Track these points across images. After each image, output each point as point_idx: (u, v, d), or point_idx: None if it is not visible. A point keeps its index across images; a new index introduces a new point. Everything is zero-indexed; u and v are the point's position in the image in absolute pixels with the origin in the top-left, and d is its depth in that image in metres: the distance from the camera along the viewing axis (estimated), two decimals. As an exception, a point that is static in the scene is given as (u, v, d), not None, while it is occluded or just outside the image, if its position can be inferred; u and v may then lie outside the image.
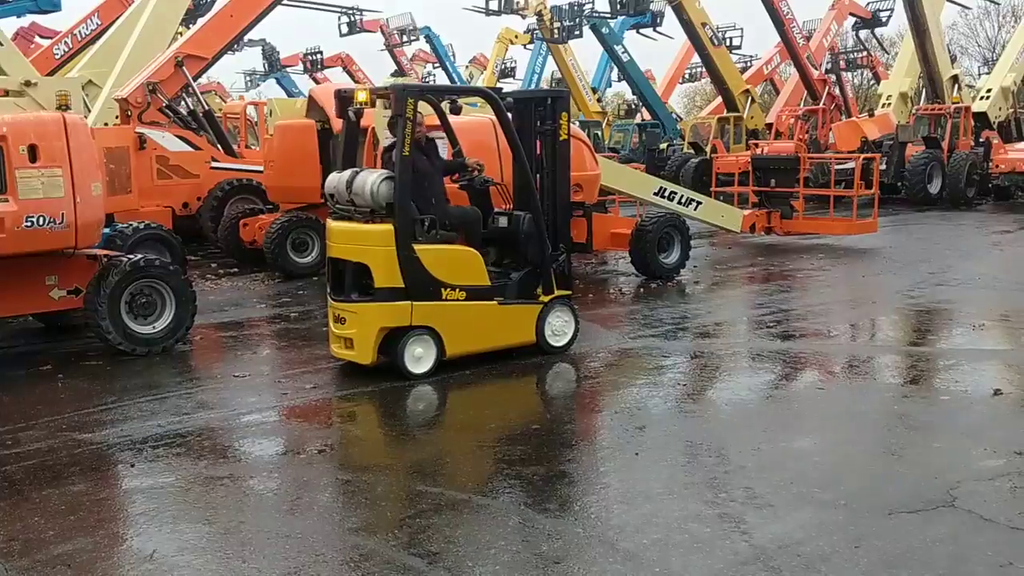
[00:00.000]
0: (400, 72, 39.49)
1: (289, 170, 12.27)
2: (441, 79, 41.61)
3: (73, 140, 7.35)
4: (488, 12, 31.77)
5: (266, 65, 42.44)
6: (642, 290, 10.91)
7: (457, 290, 6.97)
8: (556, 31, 30.29)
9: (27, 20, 24.19)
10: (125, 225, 10.63)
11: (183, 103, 14.96)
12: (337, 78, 39.04)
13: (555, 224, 7.64)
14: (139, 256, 8.07)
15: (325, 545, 4.09)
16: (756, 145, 23.14)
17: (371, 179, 6.79)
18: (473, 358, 7.11)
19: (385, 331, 6.81)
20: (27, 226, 7.08)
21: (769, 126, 28.17)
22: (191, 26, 18.71)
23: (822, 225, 15.00)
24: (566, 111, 7.72)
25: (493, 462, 5.19)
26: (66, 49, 19.10)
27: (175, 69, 14.28)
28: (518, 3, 30.65)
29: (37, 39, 25.79)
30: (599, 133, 29.77)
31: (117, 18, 18.70)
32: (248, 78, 45.49)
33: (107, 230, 9.20)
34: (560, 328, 7.57)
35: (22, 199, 7.06)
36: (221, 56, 15.31)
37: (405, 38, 39.93)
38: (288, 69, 42.73)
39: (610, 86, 43.50)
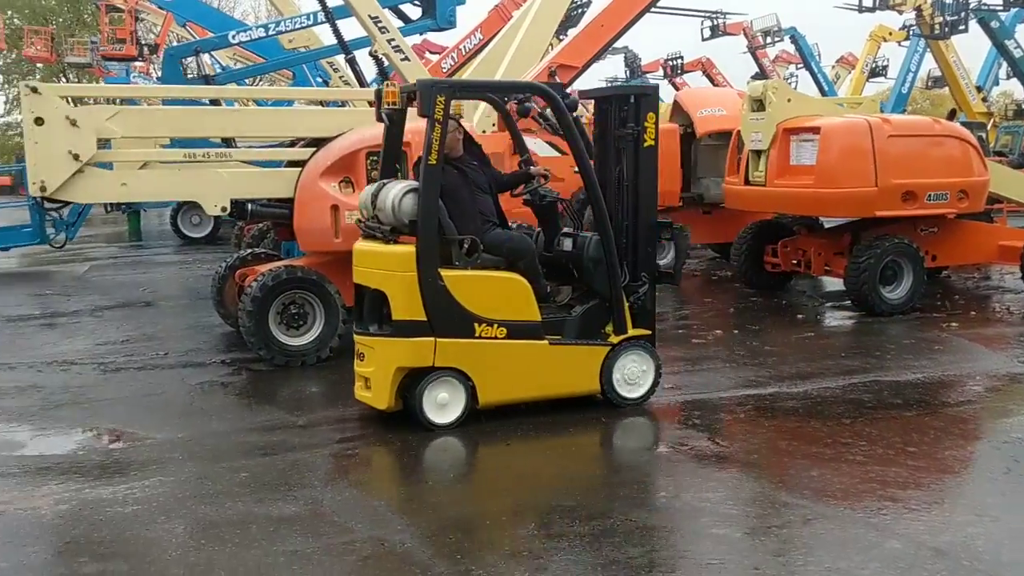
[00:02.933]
0: (761, 74, 38.66)
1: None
2: (804, 81, 40.18)
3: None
4: (861, 9, 30.14)
5: (627, 72, 43.52)
6: (1035, 309, 9.82)
7: (495, 326, 5.82)
8: (937, 26, 28.02)
9: (418, 37, 26.93)
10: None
11: (548, 110, 15.75)
12: (697, 82, 39.09)
13: (636, 248, 6.41)
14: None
15: None
16: None
17: (393, 192, 5.85)
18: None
19: (404, 372, 5.78)
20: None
21: None
22: (561, 38, 19.68)
23: None
24: (654, 111, 6.40)
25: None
26: (452, 63, 20.88)
27: (548, 79, 15.08)
28: (895, -1, 28.78)
29: (427, 55, 28.53)
30: (983, 135, 27.06)
31: (497, 32, 20.17)
32: (609, 84, 46.90)
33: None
34: (635, 376, 6.23)
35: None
36: (591, 65, 15.93)
37: (769, 39, 39.05)
38: (648, 75, 43.49)
39: (997, 84, 39.49)
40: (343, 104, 9.59)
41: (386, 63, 9.03)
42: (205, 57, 11.17)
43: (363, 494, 4.71)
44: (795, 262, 10.55)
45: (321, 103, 10.18)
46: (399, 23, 12.39)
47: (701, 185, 12.98)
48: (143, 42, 27.20)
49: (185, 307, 11.08)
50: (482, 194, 6.20)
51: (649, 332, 6.37)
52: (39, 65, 43.58)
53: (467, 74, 19.34)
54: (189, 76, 10.79)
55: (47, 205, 9.97)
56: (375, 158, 7.74)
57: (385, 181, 6.09)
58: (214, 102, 9.93)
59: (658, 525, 4.32)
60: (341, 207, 7.73)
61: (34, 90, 7.32)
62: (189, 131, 8.18)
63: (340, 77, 13.97)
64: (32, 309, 10.84)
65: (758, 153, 10.20)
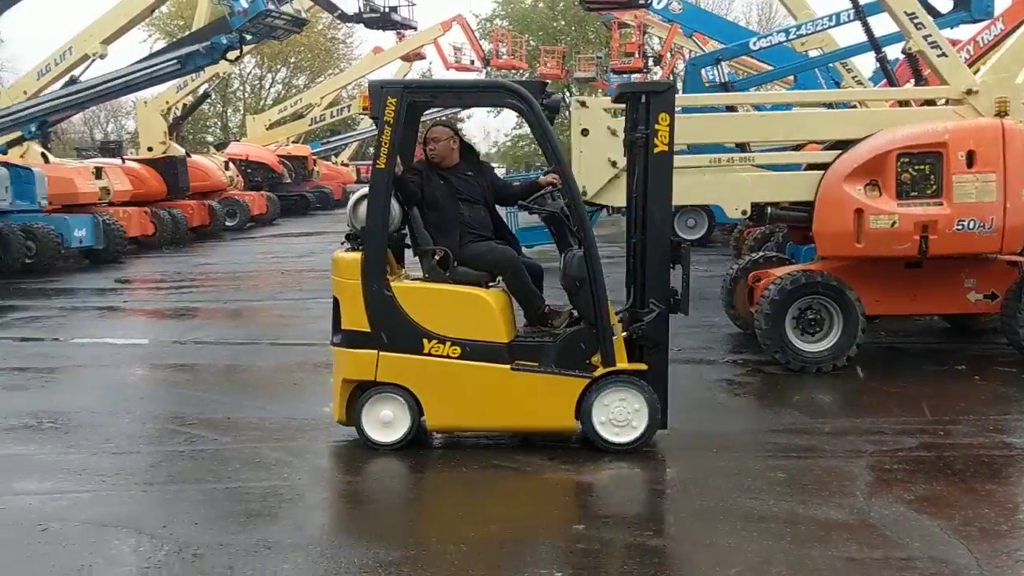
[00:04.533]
0: None
1: None
2: None
3: (1009, 146, 7.39)
4: None
5: None
6: None
7: (448, 344, 5.33)
8: None
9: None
10: None
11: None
12: None
13: (643, 268, 5.50)
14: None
15: None
16: None
17: (355, 197, 5.60)
18: None
19: (351, 384, 5.48)
20: (958, 229, 7.34)
21: None
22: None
23: None
24: (667, 112, 5.49)
25: None
26: (967, 56, 19.19)
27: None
28: None
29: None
30: None
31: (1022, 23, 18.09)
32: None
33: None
34: (622, 418, 5.33)
35: (956, 203, 7.34)
36: None
37: None
38: None
39: None
40: (855, 105, 9.32)
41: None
42: (723, 66, 11.55)
43: (912, 511, 4.52)
44: None
45: (829, 105, 10.01)
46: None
47: None
48: (648, 54, 28.85)
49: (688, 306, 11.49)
50: (471, 205, 5.79)
51: (645, 367, 5.44)
52: (548, 82, 48.34)
53: (985, 68, 17.63)
54: (707, 85, 11.26)
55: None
56: (906, 160, 7.44)
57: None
58: (730, 109, 10.21)
59: None
60: (866, 211, 7.48)
61: (582, 104, 8.09)
62: (712, 137, 8.50)
63: (853, 78, 13.57)
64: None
65: None
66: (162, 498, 4.98)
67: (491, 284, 5.66)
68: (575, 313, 5.53)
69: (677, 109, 9.91)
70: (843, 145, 7.86)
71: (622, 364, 5.38)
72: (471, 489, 5.02)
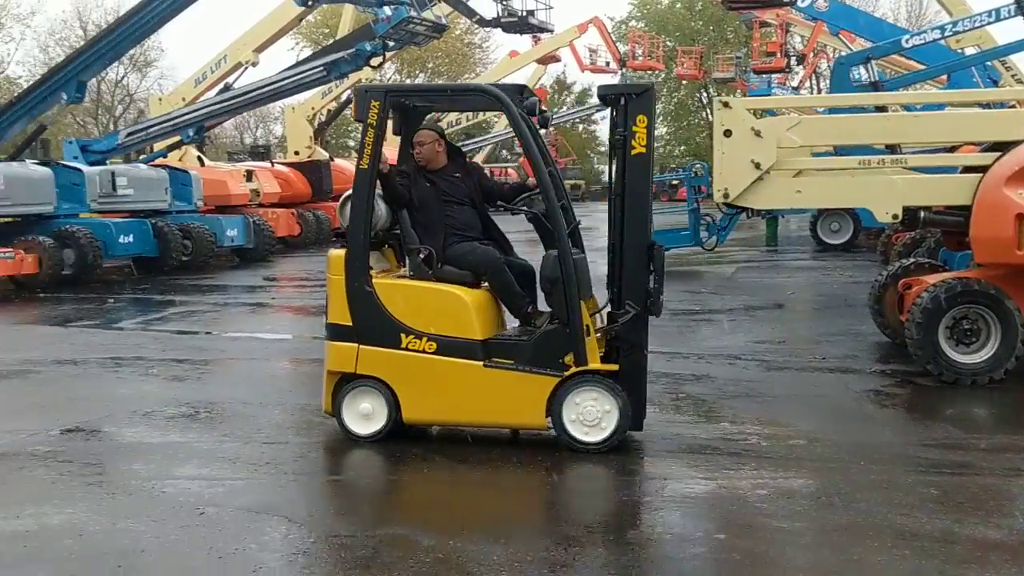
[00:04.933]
0: None
1: None
2: None
3: None
4: None
5: None
6: None
7: (424, 339, 5.53)
8: None
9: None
10: None
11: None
12: None
13: (621, 270, 5.54)
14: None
15: None
16: None
17: (344, 196, 5.80)
18: None
19: (335, 376, 5.72)
20: None
21: None
22: None
23: None
24: (645, 113, 5.49)
25: None
26: None
27: None
28: None
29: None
30: None
31: None
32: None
33: None
34: (592, 417, 5.41)
35: None
36: None
37: None
38: None
39: None
40: (1014, 105, 8.79)
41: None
42: (873, 64, 11.12)
43: (1080, 536, 4.25)
44: None
45: (986, 105, 9.50)
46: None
47: None
48: (790, 54, 28.11)
49: (833, 313, 11.16)
50: (458, 206, 5.95)
51: (616, 368, 5.47)
52: (683, 82, 47.73)
53: None
54: (854, 84, 10.87)
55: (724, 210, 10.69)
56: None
57: None
58: (879, 110, 9.82)
59: None
60: (1029, 216, 7.08)
61: (725, 104, 7.94)
62: (861, 138, 8.19)
63: (1013, 76, 12.82)
64: (692, 305, 11.85)
65: None
66: (309, 488, 5.17)
67: (482, 283, 5.83)
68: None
69: (822, 110, 9.65)
70: (1002, 147, 7.45)
71: (594, 364, 5.45)
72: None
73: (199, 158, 20.11)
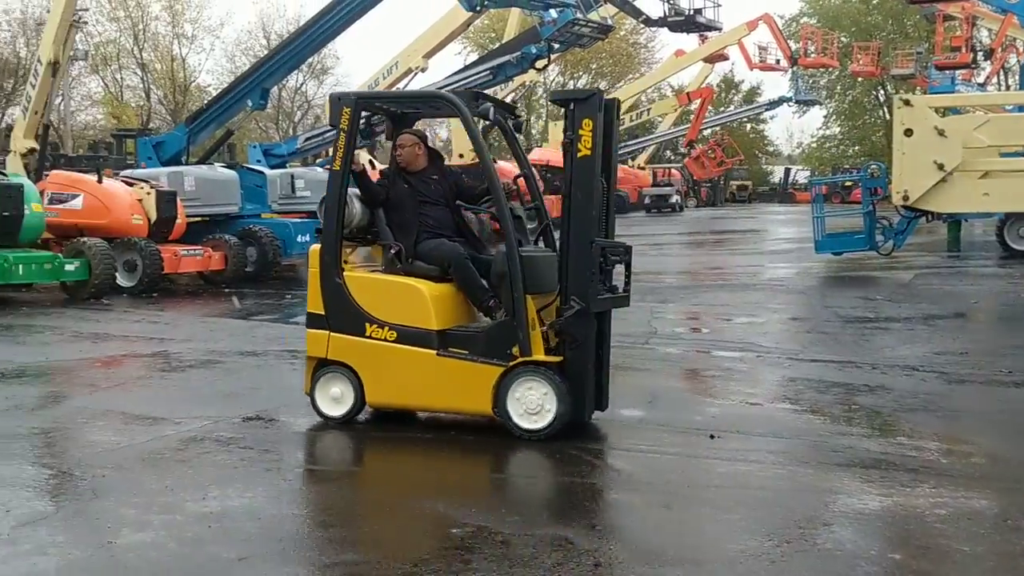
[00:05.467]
0: None
1: None
2: None
3: None
4: None
5: None
6: None
7: (386, 328, 5.95)
8: None
9: None
10: None
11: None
12: None
13: (567, 269, 5.80)
14: None
15: None
16: None
17: (323, 196, 6.23)
18: None
19: (314, 361, 6.19)
20: None
21: None
22: None
23: None
24: (591, 118, 5.69)
25: None
26: None
27: None
28: None
29: None
30: None
31: None
32: None
33: None
34: (535, 405, 5.70)
35: None
36: None
37: None
38: None
39: None
40: None
41: None
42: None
43: None
44: None
45: None
46: None
47: None
48: (976, 49, 26.48)
49: (1020, 324, 10.57)
50: (432, 206, 6.33)
51: (560, 359, 5.74)
52: (858, 79, 45.77)
53: None
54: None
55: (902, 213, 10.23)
56: None
57: None
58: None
59: None
60: None
61: (906, 103, 7.60)
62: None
63: None
64: (866, 312, 11.34)
65: None
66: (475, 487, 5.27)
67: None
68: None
69: (1011, 108, 9.02)
70: None
71: (538, 356, 5.72)
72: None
73: (371, 162, 20.85)
